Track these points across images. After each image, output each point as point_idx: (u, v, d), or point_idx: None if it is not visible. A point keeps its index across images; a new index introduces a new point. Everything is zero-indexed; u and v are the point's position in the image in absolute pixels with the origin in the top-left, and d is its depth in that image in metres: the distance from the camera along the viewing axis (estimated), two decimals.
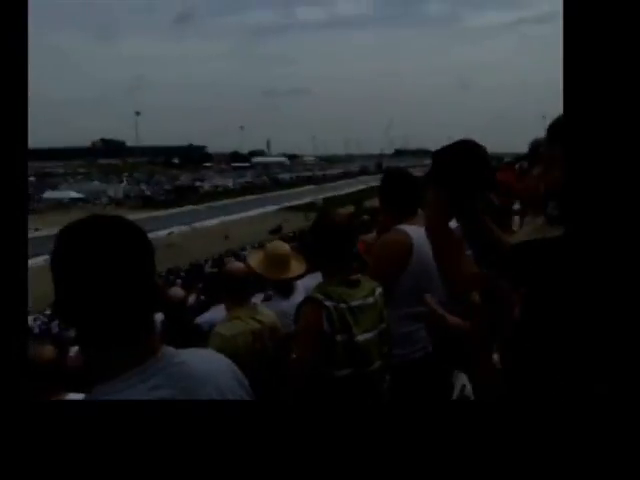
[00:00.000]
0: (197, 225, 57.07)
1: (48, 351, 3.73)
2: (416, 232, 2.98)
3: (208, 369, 1.37)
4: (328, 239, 2.71)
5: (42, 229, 58.50)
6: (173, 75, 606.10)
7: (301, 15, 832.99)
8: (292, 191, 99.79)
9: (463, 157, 1.67)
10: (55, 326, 27.67)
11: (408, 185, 3.26)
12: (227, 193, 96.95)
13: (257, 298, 3.85)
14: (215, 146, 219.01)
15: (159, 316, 7.06)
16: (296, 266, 3.85)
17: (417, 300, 2.97)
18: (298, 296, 3.59)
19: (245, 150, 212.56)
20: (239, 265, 3.67)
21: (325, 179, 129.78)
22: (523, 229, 1.69)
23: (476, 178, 1.66)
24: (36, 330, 27.94)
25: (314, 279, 3.70)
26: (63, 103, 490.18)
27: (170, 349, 1.34)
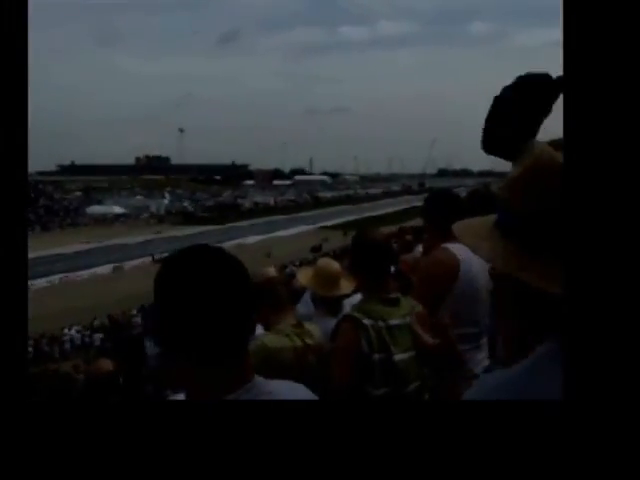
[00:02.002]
0: (238, 242, 57.38)
1: (105, 364, 3.82)
2: (462, 252, 2.95)
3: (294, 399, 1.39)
4: (366, 257, 2.70)
5: (89, 241, 60.03)
6: (218, 93, 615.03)
7: (345, 34, 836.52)
8: (333, 209, 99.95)
9: None
10: (97, 339, 28.14)
11: (453, 205, 3.23)
12: (268, 210, 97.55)
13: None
14: (258, 164, 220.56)
15: None
16: (345, 284, 3.77)
17: (462, 323, 2.98)
18: None
19: (287, 168, 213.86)
20: (271, 270, 3.54)
21: (367, 198, 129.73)
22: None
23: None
24: (78, 342, 28.44)
25: (354, 299, 3.70)
26: (112, 120, 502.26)
27: (260, 379, 1.38)
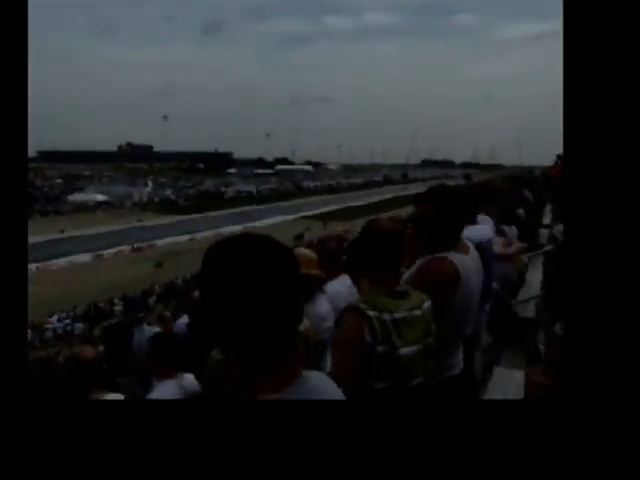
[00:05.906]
0: (220, 231, 57.28)
1: (88, 351, 3.81)
2: (460, 260, 2.92)
3: (333, 392, 1.37)
4: (376, 246, 2.61)
5: (67, 230, 59.76)
6: (202, 82, 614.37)
7: (329, 24, 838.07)
8: (315, 199, 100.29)
9: None
10: (78, 328, 28.03)
11: (461, 207, 3.06)
12: (251, 199, 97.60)
13: None
14: (241, 153, 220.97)
15: (184, 319, 7.09)
16: (318, 272, 3.86)
17: (461, 326, 3.01)
18: (323, 300, 3.69)
19: (270, 157, 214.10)
20: None
21: (349, 188, 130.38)
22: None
23: None
24: (59, 331, 28.30)
25: (338, 284, 3.93)
26: (95, 107, 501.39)
27: (305, 371, 1.34)
